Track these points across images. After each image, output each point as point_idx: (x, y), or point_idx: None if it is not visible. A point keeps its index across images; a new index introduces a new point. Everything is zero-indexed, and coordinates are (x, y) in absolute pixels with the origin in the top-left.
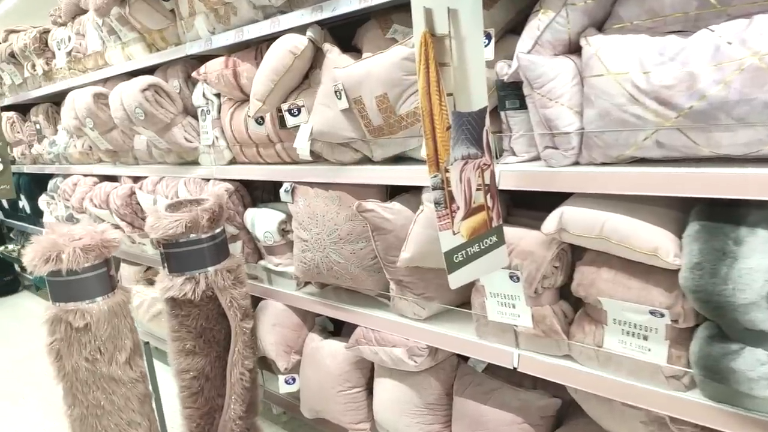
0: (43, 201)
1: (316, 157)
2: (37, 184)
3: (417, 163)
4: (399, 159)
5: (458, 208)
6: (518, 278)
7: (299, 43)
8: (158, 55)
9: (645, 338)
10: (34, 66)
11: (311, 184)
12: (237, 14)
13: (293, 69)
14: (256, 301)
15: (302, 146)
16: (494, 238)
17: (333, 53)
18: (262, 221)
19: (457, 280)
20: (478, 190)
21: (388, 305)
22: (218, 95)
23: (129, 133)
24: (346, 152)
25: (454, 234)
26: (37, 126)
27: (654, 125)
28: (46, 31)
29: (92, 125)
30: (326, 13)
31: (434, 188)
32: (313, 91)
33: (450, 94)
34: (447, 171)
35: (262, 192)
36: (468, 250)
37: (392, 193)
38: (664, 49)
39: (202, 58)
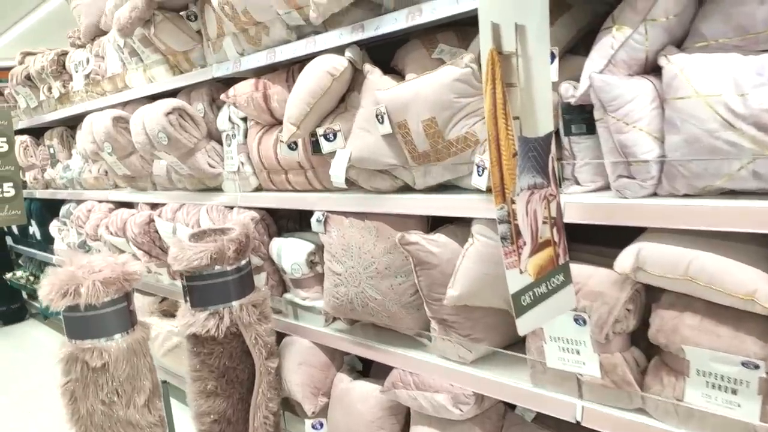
0: (54, 227)
1: (350, 184)
2: (48, 209)
3: (462, 192)
4: (441, 187)
5: (524, 243)
6: (584, 321)
7: (338, 63)
8: (183, 78)
9: (734, 392)
10: (50, 89)
11: (346, 214)
12: (269, 35)
13: (331, 91)
14: (278, 337)
15: (338, 173)
16: (561, 277)
17: (374, 75)
18: (290, 252)
19: (526, 325)
20: (544, 223)
21: (426, 345)
22: (245, 119)
23: (149, 158)
24: (385, 179)
25: (521, 273)
26: (51, 150)
27: (751, 153)
28: (64, 53)
29: (111, 150)
30: (368, 33)
31: (500, 221)
32: (350, 114)
33: (516, 118)
34: (513, 202)
35: (288, 221)
36: (535, 290)
37: (432, 224)
38: (762, 69)
39: (228, 81)
